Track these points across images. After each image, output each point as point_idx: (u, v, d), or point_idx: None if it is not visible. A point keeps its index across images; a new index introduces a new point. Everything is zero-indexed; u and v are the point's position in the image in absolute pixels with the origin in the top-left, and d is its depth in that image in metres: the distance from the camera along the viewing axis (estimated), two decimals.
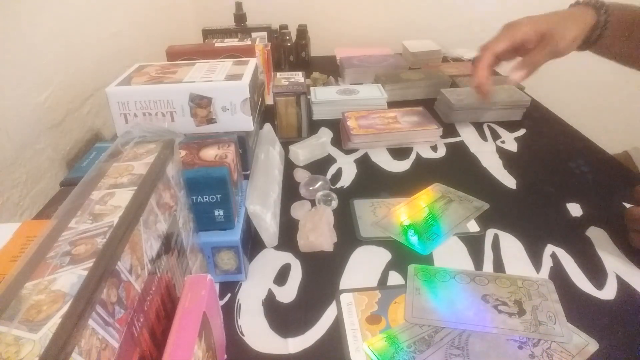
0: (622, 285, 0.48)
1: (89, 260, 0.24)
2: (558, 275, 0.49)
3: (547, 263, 0.51)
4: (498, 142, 0.80)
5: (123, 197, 0.29)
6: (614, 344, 0.41)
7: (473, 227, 0.57)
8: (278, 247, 0.54)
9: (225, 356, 0.40)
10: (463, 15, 1.43)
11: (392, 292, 0.47)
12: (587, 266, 0.51)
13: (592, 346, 0.40)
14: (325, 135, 0.82)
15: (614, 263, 0.51)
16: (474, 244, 0.54)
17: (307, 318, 0.45)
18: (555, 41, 0.66)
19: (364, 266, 0.51)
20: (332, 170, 0.72)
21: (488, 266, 0.51)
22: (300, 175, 0.68)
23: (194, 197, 0.45)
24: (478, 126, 0.86)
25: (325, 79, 1.06)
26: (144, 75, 0.56)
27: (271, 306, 0.46)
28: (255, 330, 0.44)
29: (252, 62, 0.60)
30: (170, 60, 0.78)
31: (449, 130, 0.85)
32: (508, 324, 0.42)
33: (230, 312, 0.45)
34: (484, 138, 0.82)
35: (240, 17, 1.14)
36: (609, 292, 0.47)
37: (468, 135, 0.83)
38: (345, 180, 0.69)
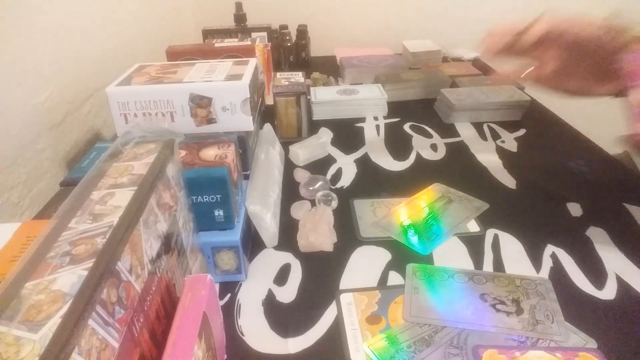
0: (622, 285, 0.48)
1: (89, 260, 0.24)
2: (558, 275, 0.49)
3: (547, 263, 0.51)
4: (498, 142, 0.80)
5: (123, 197, 0.29)
6: (613, 344, 0.41)
7: (473, 227, 0.57)
8: (278, 247, 0.54)
9: (225, 356, 0.40)
10: (463, 15, 1.43)
11: (392, 292, 0.47)
12: (587, 266, 0.51)
13: (591, 345, 0.40)
14: (325, 135, 0.82)
15: (614, 263, 0.51)
16: (474, 244, 0.54)
17: (307, 318, 0.45)
18: None
19: (364, 266, 0.51)
20: (332, 170, 0.72)
21: (488, 266, 0.51)
22: (300, 175, 0.68)
23: (194, 197, 0.45)
24: (478, 126, 0.86)
25: (325, 79, 1.06)
26: (144, 75, 0.56)
27: (271, 306, 0.46)
28: (255, 330, 0.44)
29: (252, 62, 0.60)
30: (170, 60, 0.78)
31: (449, 130, 0.85)
32: (506, 323, 0.42)
33: (230, 312, 0.45)
34: (484, 138, 0.82)
35: (240, 17, 1.14)
36: (609, 292, 0.47)
37: (468, 135, 0.83)
38: (345, 180, 0.69)
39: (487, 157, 0.75)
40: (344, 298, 0.46)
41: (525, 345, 0.40)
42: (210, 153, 0.48)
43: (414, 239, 0.55)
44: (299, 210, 0.60)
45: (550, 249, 0.53)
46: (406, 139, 0.82)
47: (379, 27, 1.43)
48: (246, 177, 0.57)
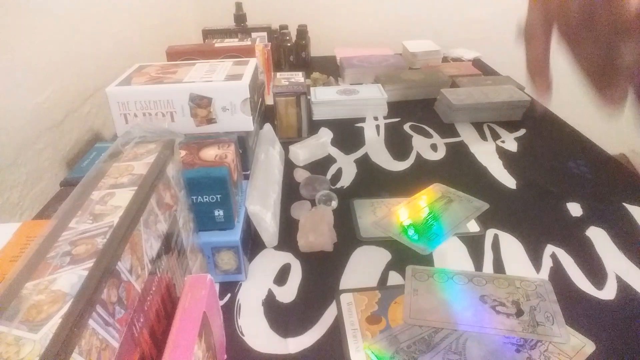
0: (622, 285, 0.48)
1: (89, 260, 0.24)
2: (558, 275, 0.49)
3: (547, 263, 0.51)
4: (498, 142, 0.80)
5: (123, 197, 0.29)
6: (612, 344, 0.41)
7: (473, 227, 0.57)
8: (278, 247, 0.54)
9: (225, 356, 0.40)
10: (463, 15, 1.43)
11: (392, 292, 0.47)
12: (587, 266, 0.51)
13: (589, 347, 0.40)
14: (325, 135, 0.82)
15: (614, 263, 0.51)
16: (474, 244, 0.54)
17: (307, 318, 0.45)
18: None
19: (364, 266, 0.51)
20: (332, 170, 0.72)
21: (488, 266, 0.51)
22: (300, 175, 0.68)
23: (194, 197, 0.45)
24: (478, 126, 0.86)
25: (325, 79, 1.06)
26: (144, 75, 0.56)
27: (271, 306, 0.46)
28: (255, 330, 0.44)
29: (252, 62, 0.60)
30: (170, 60, 0.78)
31: (449, 130, 0.85)
32: (506, 325, 0.42)
33: (230, 312, 0.45)
34: (484, 138, 0.82)
35: (240, 17, 1.14)
36: (609, 292, 0.47)
37: (468, 135, 0.83)
38: (345, 180, 0.69)
39: (487, 157, 0.75)
40: (344, 298, 0.46)
41: (525, 348, 0.40)
42: (210, 153, 0.48)
43: (414, 236, 0.55)
44: (299, 210, 0.60)
45: (550, 249, 0.53)
46: (406, 139, 0.82)
47: (379, 27, 1.43)
48: (246, 177, 0.57)
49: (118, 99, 0.52)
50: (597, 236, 0.55)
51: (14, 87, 0.61)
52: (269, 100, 0.84)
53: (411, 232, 0.56)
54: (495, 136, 0.83)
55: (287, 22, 1.23)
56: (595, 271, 0.50)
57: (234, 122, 0.54)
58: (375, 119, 0.90)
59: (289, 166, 0.72)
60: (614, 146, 0.87)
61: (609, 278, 0.49)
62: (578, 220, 0.59)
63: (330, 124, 0.87)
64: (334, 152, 0.77)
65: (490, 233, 0.56)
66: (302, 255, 0.53)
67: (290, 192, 0.65)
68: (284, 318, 0.45)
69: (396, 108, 0.93)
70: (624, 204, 0.61)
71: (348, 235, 0.56)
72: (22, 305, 0.21)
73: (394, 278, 0.49)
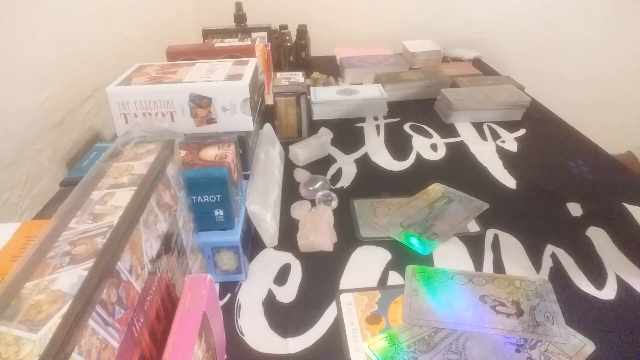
0: (622, 285, 0.48)
1: (89, 260, 0.24)
2: (558, 275, 0.49)
3: (547, 263, 0.51)
4: (498, 142, 0.80)
5: (123, 197, 0.29)
6: (611, 344, 0.41)
7: (473, 227, 0.57)
8: (278, 247, 0.54)
9: (225, 356, 0.40)
10: (463, 16, 1.43)
11: (392, 292, 0.47)
12: (587, 266, 0.51)
13: (589, 347, 0.40)
14: (325, 135, 0.82)
15: (614, 263, 0.51)
16: (474, 244, 0.54)
17: (307, 318, 0.45)
18: None
19: (364, 266, 0.51)
20: (332, 170, 0.72)
21: (488, 266, 0.51)
22: (300, 175, 0.68)
23: (194, 197, 0.45)
24: (478, 126, 0.86)
25: (325, 79, 1.06)
26: (144, 75, 0.56)
27: (271, 306, 0.46)
28: (255, 330, 0.44)
29: (252, 62, 0.60)
30: (170, 60, 0.78)
31: (449, 130, 0.85)
32: (506, 325, 0.42)
33: (230, 312, 0.45)
34: (484, 138, 0.82)
35: (240, 17, 1.14)
36: (609, 292, 0.47)
37: (468, 135, 0.83)
38: (345, 180, 0.69)
39: (487, 157, 0.75)
40: (344, 298, 0.46)
41: (525, 348, 0.40)
42: (210, 153, 0.48)
43: (413, 240, 0.55)
44: (299, 210, 0.60)
45: (550, 249, 0.53)
46: (406, 139, 0.82)
47: (379, 27, 1.43)
48: (246, 177, 0.57)
49: (118, 99, 0.52)
50: (597, 236, 0.55)
51: (14, 87, 0.61)
52: (269, 100, 0.84)
53: (411, 231, 0.56)
54: (495, 136, 0.83)
55: (287, 22, 1.23)
56: (595, 271, 0.50)
57: (234, 122, 0.54)
58: (375, 118, 0.90)
59: (289, 166, 0.72)
60: (619, 144, 0.87)
61: (609, 278, 0.49)
62: (578, 220, 0.59)
63: (330, 124, 0.87)
64: (334, 152, 0.77)
65: (490, 233, 0.56)
66: (302, 255, 0.53)
67: (290, 192, 0.65)
68: (284, 318, 0.45)
69: (396, 108, 0.93)
70: (624, 204, 0.61)
71: (348, 235, 0.56)
72: (22, 305, 0.21)
73: (394, 278, 0.49)
